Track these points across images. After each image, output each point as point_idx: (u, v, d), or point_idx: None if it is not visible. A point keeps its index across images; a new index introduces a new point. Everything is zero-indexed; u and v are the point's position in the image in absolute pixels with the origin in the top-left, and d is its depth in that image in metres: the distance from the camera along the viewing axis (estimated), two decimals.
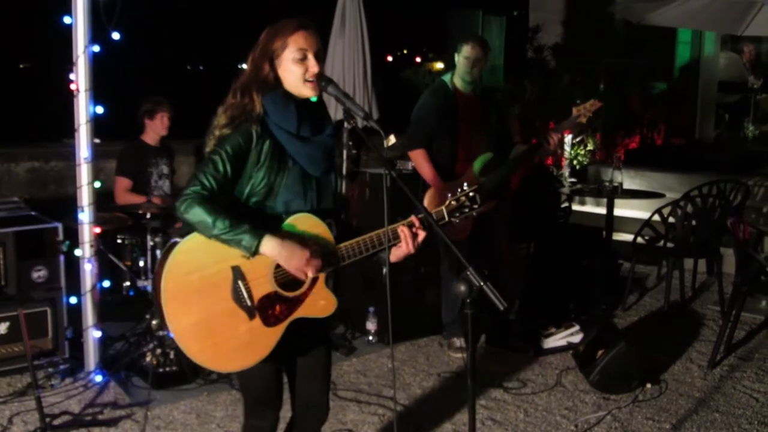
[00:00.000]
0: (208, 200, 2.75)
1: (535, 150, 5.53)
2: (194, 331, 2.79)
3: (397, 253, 2.98)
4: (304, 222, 2.90)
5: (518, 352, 5.69)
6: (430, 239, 3.05)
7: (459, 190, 3.04)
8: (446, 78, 5.57)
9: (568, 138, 10.29)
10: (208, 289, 2.80)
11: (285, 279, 2.87)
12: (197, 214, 2.72)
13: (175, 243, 2.82)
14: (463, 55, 5.43)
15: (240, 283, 2.81)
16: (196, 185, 2.77)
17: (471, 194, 3.03)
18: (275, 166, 2.87)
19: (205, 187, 2.77)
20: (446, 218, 3.02)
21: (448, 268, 5.64)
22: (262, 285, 2.85)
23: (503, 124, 5.91)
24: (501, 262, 5.75)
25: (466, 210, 3.03)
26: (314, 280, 2.92)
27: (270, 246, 2.76)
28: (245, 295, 2.82)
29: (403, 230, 2.94)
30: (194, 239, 2.79)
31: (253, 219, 2.80)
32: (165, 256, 2.81)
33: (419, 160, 5.46)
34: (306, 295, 2.93)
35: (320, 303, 2.97)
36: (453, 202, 3.02)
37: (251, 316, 2.84)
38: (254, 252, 2.75)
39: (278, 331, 2.89)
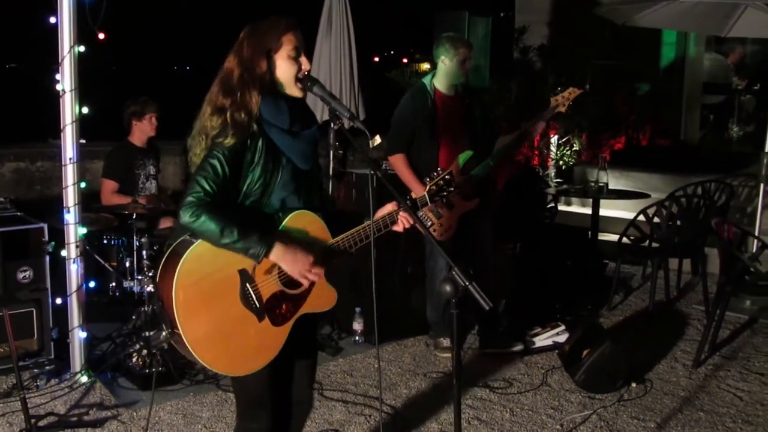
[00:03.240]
0: (213, 207, 2.74)
1: (518, 141, 5.53)
2: (208, 340, 2.78)
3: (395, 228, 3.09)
4: (302, 219, 2.93)
5: (507, 349, 5.71)
6: (417, 237, 3.10)
7: (435, 174, 3.15)
8: (426, 80, 5.54)
9: (554, 138, 10.33)
10: (217, 295, 2.79)
11: (288, 277, 2.90)
12: (204, 222, 2.71)
13: (180, 243, 2.81)
14: (459, 59, 5.38)
15: (248, 285, 2.83)
16: (198, 191, 2.75)
17: (446, 177, 3.15)
18: (270, 164, 2.87)
19: (207, 192, 2.75)
20: (428, 202, 3.13)
21: (433, 266, 5.65)
22: (269, 285, 2.87)
23: (489, 122, 5.89)
24: (487, 262, 5.76)
25: (445, 193, 3.14)
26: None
27: (276, 254, 2.79)
28: (254, 297, 2.83)
29: (402, 216, 3.05)
30: (200, 246, 2.77)
31: (249, 218, 2.82)
32: (170, 261, 2.79)
33: (398, 165, 5.45)
34: (309, 291, 2.97)
35: (322, 297, 3.03)
36: (433, 187, 3.15)
37: (260, 318, 2.85)
38: (261, 260, 2.78)
39: (285, 330, 2.92)
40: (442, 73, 5.48)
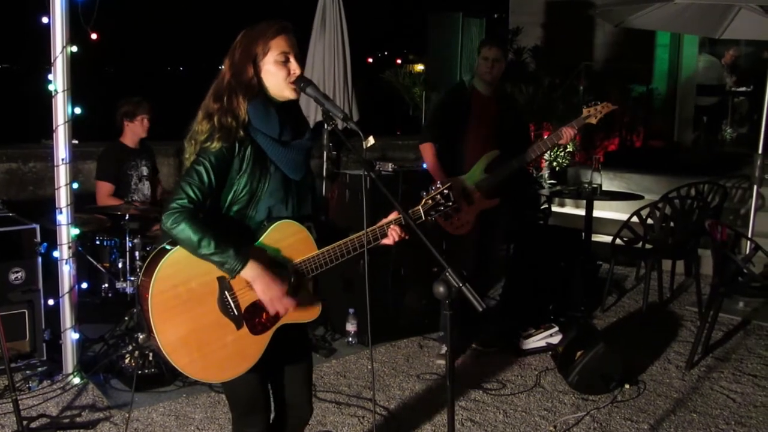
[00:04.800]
0: (195, 215, 2.72)
1: (545, 146, 5.56)
2: (183, 345, 2.76)
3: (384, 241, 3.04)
4: (286, 229, 2.89)
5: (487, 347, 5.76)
6: (411, 238, 3.07)
7: (433, 188, 3.08)
8: (466, 78, 5.63)
9: None
10: (195, 301, 2.77)
11: None
12: (183, 230, 2.69)
13: (161, 250, 2.79)
14: (482, 56, 5.48)
15: (227, 293, 2.80)
16: (182, 198, 2.73)
17: (445, 192, 3.08)
18: (257, 172, 2.85)
19: (191, 199, 2.74)
20: (423, 217, 3.07)
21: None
22: (249, 294, 2.84)
23: (524, 128, 5.92)
24: (491, 262, 5.78)
25: (442, 208, 3.07)
26: (298, 286, 2.92)
27: (251, 272, 2.76)
28: (232, 305, 2.81)
29: (392, 229, 3.00)
30: (180, 252, 2.75)
31: (234, 226, 2.80)
32: (150, 266, 2.77)
33: (425, 153, 5.53)
34: None
35: (305, 308, 2.98)
36: (429, 201, 3.08)
37: (239, 326, 2.82)
38: (235, 275, 2.75)
39: (265, 338, 2.89)
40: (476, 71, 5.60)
